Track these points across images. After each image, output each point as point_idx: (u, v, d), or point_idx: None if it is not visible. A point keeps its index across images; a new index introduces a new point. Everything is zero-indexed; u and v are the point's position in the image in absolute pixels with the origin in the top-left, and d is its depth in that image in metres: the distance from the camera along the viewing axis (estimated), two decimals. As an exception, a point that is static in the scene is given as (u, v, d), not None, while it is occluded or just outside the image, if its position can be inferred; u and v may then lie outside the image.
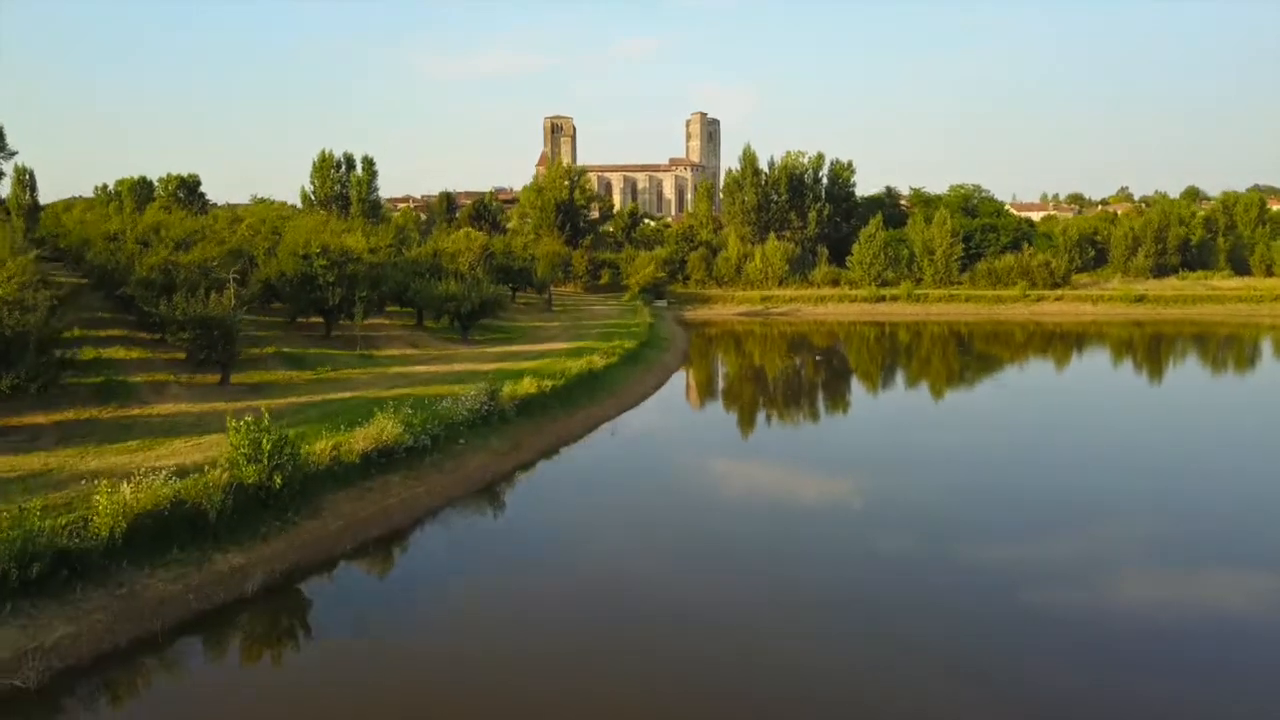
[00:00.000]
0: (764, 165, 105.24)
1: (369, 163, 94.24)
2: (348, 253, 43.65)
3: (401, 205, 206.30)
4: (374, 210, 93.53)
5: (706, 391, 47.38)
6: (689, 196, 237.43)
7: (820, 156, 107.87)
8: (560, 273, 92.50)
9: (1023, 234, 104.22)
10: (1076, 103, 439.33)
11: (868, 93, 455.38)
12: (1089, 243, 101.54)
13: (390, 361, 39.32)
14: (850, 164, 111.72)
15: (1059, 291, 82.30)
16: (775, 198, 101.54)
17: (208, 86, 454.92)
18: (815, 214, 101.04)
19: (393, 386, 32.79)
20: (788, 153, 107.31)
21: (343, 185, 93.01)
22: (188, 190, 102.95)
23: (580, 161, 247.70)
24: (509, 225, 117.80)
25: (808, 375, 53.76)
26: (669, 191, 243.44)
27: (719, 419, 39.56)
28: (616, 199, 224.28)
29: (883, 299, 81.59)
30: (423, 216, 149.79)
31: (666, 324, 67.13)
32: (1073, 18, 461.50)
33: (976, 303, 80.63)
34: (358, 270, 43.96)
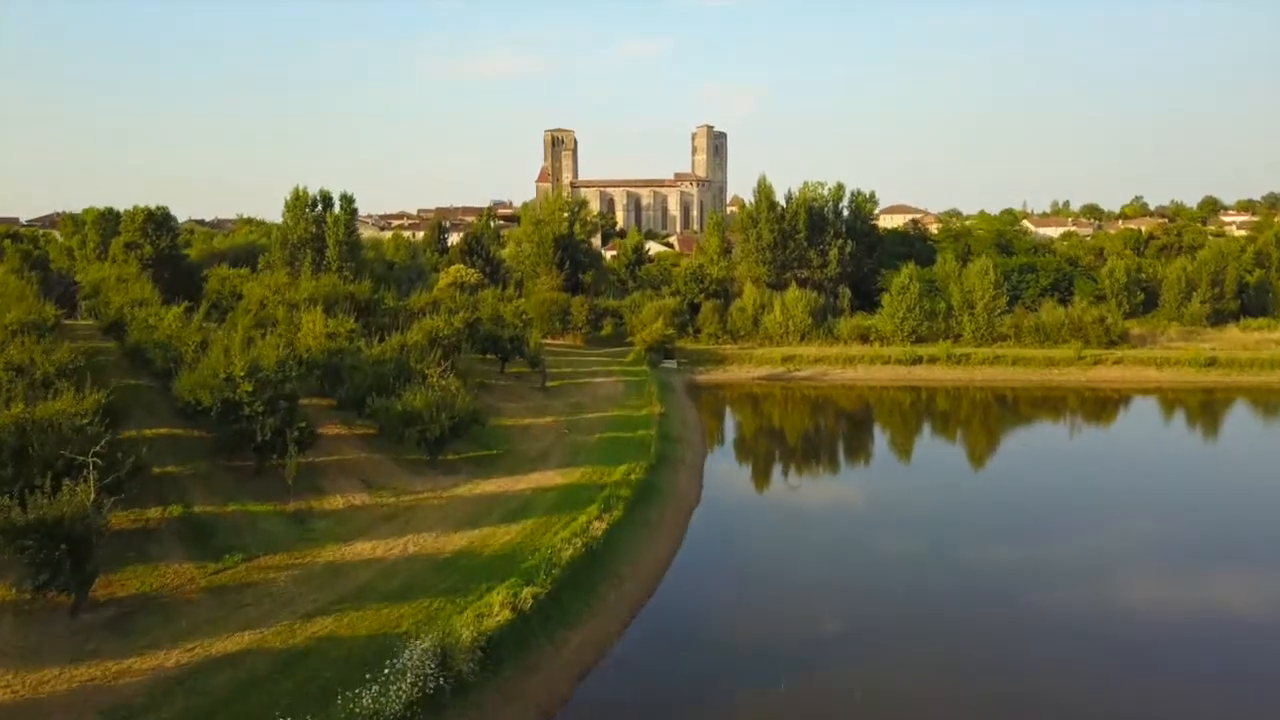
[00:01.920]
0: (780, 196, 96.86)
1: (347, 200, 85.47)
2: (284, 367, 34.95)
3: (395, 224, 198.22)
4: (352, 252, 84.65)
5: (738, 537, 37.17)
6: (694, 213, 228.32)
7: (840, 187, 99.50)
8: (558, 323, 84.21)
9: (1064, 274, 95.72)
10: (1081, 106, 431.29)
11: (870, 94, 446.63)
12: (1135, 284, 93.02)
13: (329, 526, 30.54)
14: (873, 195, 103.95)
15: (1117, 352, 73.16)
16: (795, 235, 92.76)
17: (204, 87, 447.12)
18: (836, 251, 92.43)
19: (316, 607, 23.91)
20: (805, 184, 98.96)
21: (319, 225, 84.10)
22: (155, 225, 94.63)
23: (582, 174, 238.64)
24: (503, 253, 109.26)
25: (860, 477, 45.10)
26: (674, 208, 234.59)
27: (761, 611, 29.69)
28: (620, 216, 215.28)
29: (919, 360, 72.56)
30: (419, 235, 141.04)
31: (678, 403, 58.42)
32: (1075, 20, 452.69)
33: (1025, 366, 71.47)
34: (297, 391, 35.40)
